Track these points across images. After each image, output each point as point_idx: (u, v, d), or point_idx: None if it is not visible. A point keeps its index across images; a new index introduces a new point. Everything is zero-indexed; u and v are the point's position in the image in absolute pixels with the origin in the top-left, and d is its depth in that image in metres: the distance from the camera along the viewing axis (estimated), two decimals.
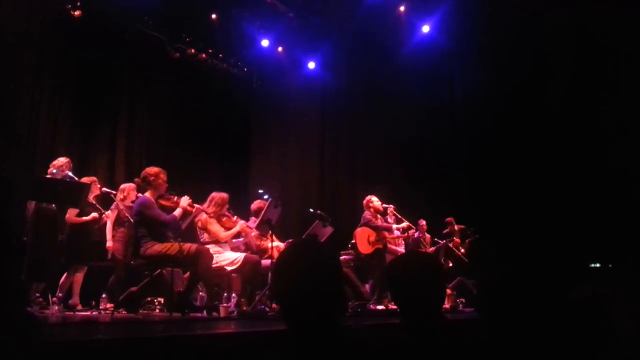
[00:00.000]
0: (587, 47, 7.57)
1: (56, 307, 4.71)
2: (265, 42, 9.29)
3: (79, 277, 5.65)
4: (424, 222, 7.72)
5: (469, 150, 8.70)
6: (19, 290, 2.17)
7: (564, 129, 7.51)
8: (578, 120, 7.39)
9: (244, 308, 4.99)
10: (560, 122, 7.59)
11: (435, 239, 7.87)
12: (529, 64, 8.07)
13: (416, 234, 7.48)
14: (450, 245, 7.78)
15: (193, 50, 8.72)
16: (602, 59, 7.35)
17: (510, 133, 7.99)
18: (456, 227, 7.98)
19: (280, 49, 9.68)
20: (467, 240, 7.87)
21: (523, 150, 7.75)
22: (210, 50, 8.94)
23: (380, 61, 9.38)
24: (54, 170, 5.39)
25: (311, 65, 9.99)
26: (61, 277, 5.57)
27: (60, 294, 5.34)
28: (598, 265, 6.54)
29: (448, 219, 8.05)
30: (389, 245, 7.01)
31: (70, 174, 5.45)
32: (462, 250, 7.78)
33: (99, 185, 5.96)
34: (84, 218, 5.71)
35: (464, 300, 6.83)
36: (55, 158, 5.61)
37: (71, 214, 5.66)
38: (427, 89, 9.35)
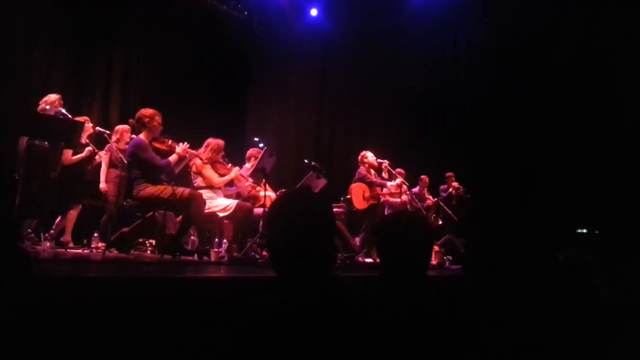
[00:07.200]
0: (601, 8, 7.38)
1: (48, 244, 4.74)
2: None
3: (72, 214, 5.67)
4: (425, 178, 7.75)
5: (471, 105, 8.61)
6: (10, 225, 2.15)
7: (569, 88, 7.41)
8: (585, 81, 7.28)
9: (235, 254, 5.05)
10: (566, 81, 7.48)
11: (429, 196, 7.91)
12: (538, 20, 7.88)
13: (415, 190, 7.52)
14: (442, 203, 7.84)
15: None
16: (616, 22, 7.18)
17: (513, 89, 7.90)
18: (455, 184, 7.98)
19: None
20: (459, 200, 7.92)
21: (525, 108, 7.68)
22: None
23: (385, 11, 9.12)
24: (47, 107, 5.25)
25: (313, 12, 9.72)
26: (55, 216, 5.60)
27: (53, 232, 5.37)
28: (585, 230, 6.64)
29: (448, 173, 8.07)
30: (386, 199, 7.02)
31: (63, 111, 5.36)
32: (453, 202, 7.83)
33: (91, 125, 5.87)
34: (80, 155, 5.69)
35: (450, 257, 6.94)
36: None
37: (67, 155, 5.61)
38: (431, 41, 9.16)
